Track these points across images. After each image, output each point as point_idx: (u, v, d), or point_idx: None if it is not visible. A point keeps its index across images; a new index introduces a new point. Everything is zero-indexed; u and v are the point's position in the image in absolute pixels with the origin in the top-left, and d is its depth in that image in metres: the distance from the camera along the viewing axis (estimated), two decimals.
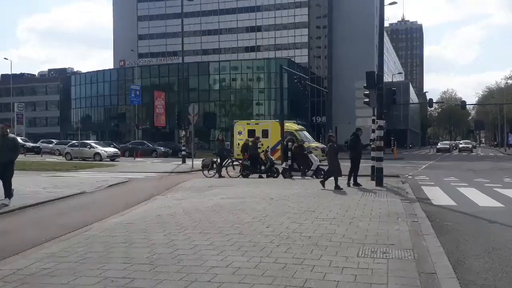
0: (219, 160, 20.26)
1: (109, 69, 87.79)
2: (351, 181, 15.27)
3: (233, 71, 77.81)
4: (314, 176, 18.94)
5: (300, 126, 37.27)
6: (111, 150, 38.29)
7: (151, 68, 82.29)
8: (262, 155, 20.37)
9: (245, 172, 19.90)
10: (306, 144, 28.08)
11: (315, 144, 34.30)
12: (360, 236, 7.33)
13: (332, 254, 6.22)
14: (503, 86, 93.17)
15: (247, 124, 35.74)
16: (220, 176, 19.63)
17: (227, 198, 12.13)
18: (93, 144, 38.24)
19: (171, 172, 23.73)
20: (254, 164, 19.97)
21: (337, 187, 14.04)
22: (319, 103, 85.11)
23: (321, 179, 14.81)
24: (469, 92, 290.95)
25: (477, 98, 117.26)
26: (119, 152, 38.74)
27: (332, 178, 14.48)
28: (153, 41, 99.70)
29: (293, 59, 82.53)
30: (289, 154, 19.34)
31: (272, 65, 73.95)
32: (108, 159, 35.51)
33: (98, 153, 35.96)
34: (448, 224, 9.04)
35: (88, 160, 34.64)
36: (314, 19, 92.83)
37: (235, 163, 21.14)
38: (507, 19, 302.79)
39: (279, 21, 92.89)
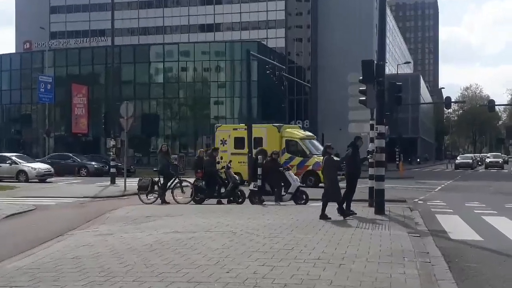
0: (162, 180, 20.07)
1: (9, 54, 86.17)
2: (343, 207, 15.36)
3: (183, 57, 77.60)
4: (293, 201, 19.01)
5: (307, 133, 35.54)
6: (42, 166, 36.97)
7: (68, 52, 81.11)
8: (222, 173, 20.31)
9: (199, 196, 19.75)
10: (316, 158, 28.81)
11: None
12: (354, 283, 7.34)
13: None
14: None
15: (234, 129, 34.73)
16: (164, 202, 19.43)
17: (172, 232, 12.00)
18: (15, 159, 36.73)
19: (95, 197, 23.39)
20: (211, 185, 19.84)
21: (323, 216, 14.12)
22: (301, 102, 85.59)
23: (321, 212, 14.72)
24: (499, 88, 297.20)
25: (509, 97, 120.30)
26: (52, 170, 37.24)
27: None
28: (72, 15, 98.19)
29: (265, 43, 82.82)
30: (259, 171, 19.34)
31: (237, 50, 74.01)
32: (37, 179, 34.79)
33: (24, 171, 34.81)
34: (470, 266, 9.17)
35: (5, 181, 33.37)
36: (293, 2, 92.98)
37: (184, 184, 20.95)
38: None
39: None
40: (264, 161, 19.45)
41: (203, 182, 19.85)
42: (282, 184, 19.24)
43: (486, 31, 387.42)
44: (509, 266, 9.32)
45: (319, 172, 24.87)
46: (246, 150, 28.35)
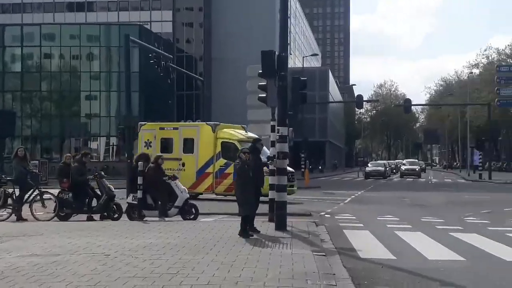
0: (18, 192, 19.39)
1: None
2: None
3: (47, 41, 75.52)
4: (181, 216, 18.93)
5: (250, 134, 29.69)
6: None
7: None
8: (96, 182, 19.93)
9: (64, 211, 19.27)
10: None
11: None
12: None
13: None
14: (465, 78, 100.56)
15: (160, 129, 32.30)
16: (20, 219, 18.79)
17: (30, 255, 11.62)
18: None
19: None
20: (80, 197, 19.42)
21: (244, 233, 14.30)
22: (191, 98, 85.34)
23: (240, 229, 14.66)
24: (418, 86, 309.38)
25: (428, 96, 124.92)
26: None
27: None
28: None
29: (148, 26, 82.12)
30: (140, 180, 19.12)
31: (114, 34, 73.02)
32: None
33: None
34: None
35: None
36: None
37: (46, 196, 20.32)
38: None
39: None
40: (147, 169, 19.23)
41: (70, 194, 19.33)
42: (168, 196, 19.16)
43: (404, 21, 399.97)
44: None
45: None
46: (175, 154, 27.88)
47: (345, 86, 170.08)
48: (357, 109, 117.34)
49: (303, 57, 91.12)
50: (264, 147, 30.96)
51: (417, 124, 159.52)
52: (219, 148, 29.38)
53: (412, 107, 76.50)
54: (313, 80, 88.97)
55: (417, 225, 18.89)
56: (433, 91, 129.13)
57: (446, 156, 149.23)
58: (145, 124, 33.73)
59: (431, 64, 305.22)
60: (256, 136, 29.83)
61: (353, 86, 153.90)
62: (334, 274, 9.93)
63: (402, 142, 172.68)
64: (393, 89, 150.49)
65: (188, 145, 28.92)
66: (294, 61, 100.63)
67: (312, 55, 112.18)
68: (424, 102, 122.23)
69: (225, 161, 28.75)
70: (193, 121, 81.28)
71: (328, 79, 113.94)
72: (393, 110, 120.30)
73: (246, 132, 30.37)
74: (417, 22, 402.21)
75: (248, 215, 14.81)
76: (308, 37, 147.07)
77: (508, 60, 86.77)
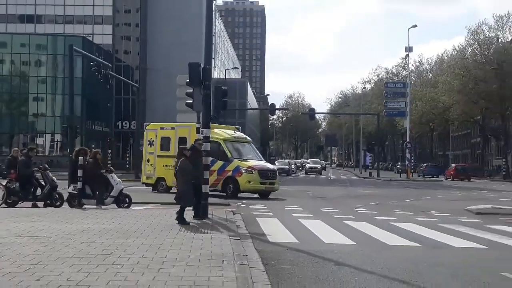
0: None
1: None
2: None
3: (0, 48, 73.33)
4: (115, 204, 18.67)
5: (238, 134, 30.25)
6: None
7: None
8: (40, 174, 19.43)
9: (11, 199, 18.72)
10: (237, 162, 26.35)
11: (252, 162, 27.71)
12: None
13: None
14: (360, 91, 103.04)
15: (160, 129, 30.30)
16: None
17: None
18: None
19: None
20: (26, 187, 18.92)
21: (183, 220, 14.14)
22: (128, 102, 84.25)
23: (177, 215, 14.44)
24: (321, 97, 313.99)
25: (329, 106, 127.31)
26: None
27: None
28: None
29: (90, 38, 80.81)
30: (80, 172, 18.77)
31: (60, 43, 71.71)
32: None
33: None
34: (286, 268, 9.51)
35: None
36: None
37: None
38: (367, 6, 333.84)
39: None
40: (86, 162, 18.91)
41: (17, 184, 18.82)
42: (105, 187, 18.88)
43: (312, 40, 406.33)
44: (321, 267, 9.76)
45: (238, 179, 24.25)
46: (172, 152, 25.35)
47: (261, 96, 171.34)
48: (270, 116, 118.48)
49: (225, 69, 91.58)
50: (249, 146, 30.92)
51: (320, 130, 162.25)
52: None
53: (316, 115, 77.62)
54: (234, 90, 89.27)
55: (318, 214, 19.16)
56: (334, 102, 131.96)
57: (343, 156, 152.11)
58: (149, 124, 32.45)
59: (333, 78, 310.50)
60: (243, 136, 31.09)
61: (268, 96, 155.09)
62: (246, 255, 9.96)
63: (308, 144, 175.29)
64: (300, 99, 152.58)
65: (182, 144, 25.71)
66: (218, 73, 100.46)
67: (233, 68, 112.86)
68: (325, 111, 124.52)
69: (211, 158, 24.83)
70: (129, 122, 79.60)
71: (246, 89, 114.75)
72: (300, 117, 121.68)
73: (234, 132, 29.39)
74: (324, 42, 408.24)
75: (187, 206, 14.71)
76: (230, 53, 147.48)
77: (394, 78, 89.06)
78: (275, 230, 14.66)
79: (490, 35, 70.16)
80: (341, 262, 10.18)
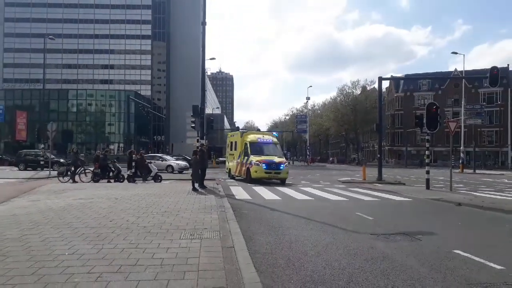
0: (73, 168, 18.20)
1: None
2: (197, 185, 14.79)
3: (89, 97, 71.28)
4: (153, 181, 18.36)
5: (265, 138, 22.39)
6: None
7: (14, 91, 70.66)
8: (111, 164, 18.97)
9: (96, 178, 18.26)
10: (252, 158, 19.59)
11: (263, 158, 19.91)
12: (183, 224, 7.29)
13: (161, 239, 6.06)
14: (283, 120, 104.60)
15: (231, 136, 24.97)
16: (74, 182, 17.63)
17: (78, 199, 10.95)
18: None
19: (30, 178, 20.54)
20: (103, 172, 18.48)
21: (194, 189, 13.96)
22: (159, 126, 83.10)
23: (192, 186, 14.24)
24: (264, 122, 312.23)
25: (267, 127, 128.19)
26: None
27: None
28: (19, 70, 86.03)
29: (139, 92, 79.52)
30: (133, 164, 18.47)
31: (122, 95, 69.88)
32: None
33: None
34: (244, 212, 9.55)
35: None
36: (156, 63, 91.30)
37: (87, 170, 19.19)
38: (286, 75, 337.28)
39: (128, 62, 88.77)
40: (136, 158, 18.62)
41: (99, 170, 18.37)
42: (147, 170, 18.60)
43: (258, 93, 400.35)
44: (263, 211, 9.83)
45: (250, 169, 19.20)
46: (238, 151, 21.70)
47: (232, 122, 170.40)
48: None
49: (212, 108, 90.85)
50: (272, 146, 21.98)
51: None
52: (242, 147, 21.46)
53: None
54: (216, 119, 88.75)
55: (262, 184, 19.08)
56: (270, 125, 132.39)
57: None
58: (229, 133, 27.58)
59: (270, 113, 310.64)
60: (269, 138, 21.93)
61: (235, 122, 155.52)
62: (224, 206, 9.96)
63: None
64: (253, 124, 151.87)
65: (235, 145, 22.55)
66: (208, 110, 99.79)
67: (216, 108, 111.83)
68: (266, 131, 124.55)
69: (244, 156, 20.92)
70: (160, 136, 75.15)
71: (224, 119, 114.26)
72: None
73: (263, 136, 22.39)
74: (264, 94, 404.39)
75: (196, 182, 14.50)
76: (214, 99, 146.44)
77: (301, 113, 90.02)
78: (239, 192, 14.66)
79: (349, 91, 72.20)
80: (273, 208, 10.26)
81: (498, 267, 5.12)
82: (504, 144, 61.27)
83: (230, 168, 23.24)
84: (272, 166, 19.37)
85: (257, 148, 20.82)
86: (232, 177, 22.31)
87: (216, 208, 9.38)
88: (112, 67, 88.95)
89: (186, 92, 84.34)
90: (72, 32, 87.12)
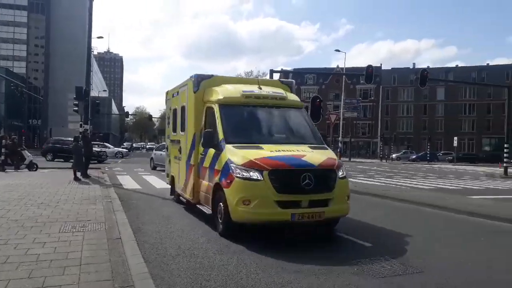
0: None
1: None
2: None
3: None
4: (27, 169, 16.30)
5: (252, 85, 7.19)
6: None
7: None
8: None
9: None
10: (249, 152, 5.57)
11: (313, 155, 6.06)
12: (63, 216, 6.69)
13: (37, 233, 5.47)
14: None
15: (173, 96, 9.36)
16: None
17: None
18: None
19: None
20: None
21: (76, 178, 12.69)
22: (36, 108, 73.40)
23: (74, 176, 12.80)
24: (157, 108, 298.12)
25: (159, 113, 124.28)
26: None
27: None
28: None
29: (11, 69, 69.19)
30: (3, 150, 16.08)
31: None
32: None
33: None
34: (133, 202, 9.18)
35: None
36: (33, 38, 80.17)
37: None
38: (182, 61, 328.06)
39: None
40: (7, 143, 16.28)
41: None
42: (20, 158, 16.42)
43: (151, 78, 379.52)
44: (154, 200, 9.57)
45: (227, 192, 6.40)
46: (177, 133, 8.72)
47: (121, 107, 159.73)
48: (126, 118, 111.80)
49: (98, 91, 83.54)
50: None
51: (155, 127, 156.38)
52: (202, 121, 6.96)
53: (153, 118, 74.18)
54: (103, 103, 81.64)
55: (153, 172, 18.49)
56: (163, 111, 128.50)
57: None
58: (174, 88, 9.25)
59: (161, 99, 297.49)
60: None
61: (124, 107, 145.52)
62: (110, 196, 9.39)
63: (148, 134, 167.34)
64: (144, 110, 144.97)
65: (183, 118, 8.01)
66: (94, 93, 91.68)
67: (103, 91, 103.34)
68: (158, 117, 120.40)
69: (207, 149, 6.59)
70: (37, 120, 66.98)
71: (111, 103, 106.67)
72: (144, 119, 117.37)
73: (254, 84, 7.16)
74: (157, 79, 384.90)
75: (78, 170, 13.25)
76: (101, 81, 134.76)
77: None
78: (128, 181, 14.00)
79: None
80: (164, 197, 10.04)
81: (367, 244, 5.87)
82: (375, 135, 70.13)
83: (173, 176, 9.27)
84: (299, 179, 5.59)
85: (244, 121, 6.80)
86: (178, 199, 9.15)
87: (102, 199, 8.81)
88: None
89: (69, 72, 75.69)
90: None
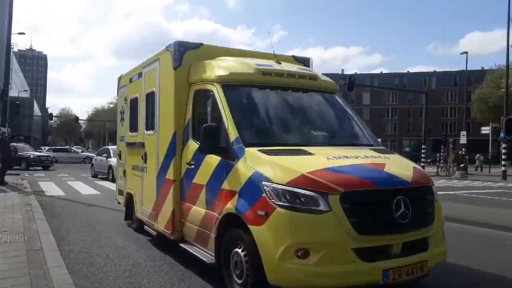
0: None
1: None
2: None
3: None
4: None
5: (265, 59, 4.80)
6: None
7: None
8: None
9: None
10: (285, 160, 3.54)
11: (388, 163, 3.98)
12: None
13: None
14: (107, 108, 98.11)
15: (130, 82, 6.53)
16: None
17: None
18: None
19: None
20: None
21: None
22: None
23: None
24: (84, 110, 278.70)
25: (87, 115, 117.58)
26: None
27: None
28: None
29: None
30: None
31: None
32: None
33: None
34: (57, 210, 8.63)
35: None
36: None
37: None
38: (112, 61, 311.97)
39: None
40: None
41: None
42: None
43: (78, 78, 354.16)
44: (79, 207, 9.03)
45: (265, 236, 3.84)
46: (139, 134, 5.96)
47: (44, 108, 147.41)
48: (49, 120, 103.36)
49: (18, 91, 76.71)
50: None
51: (82, 129, 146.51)
52: (190, 111, 4.34)
53: (79, 120, 69.61)
54: (24, 103, 75.23)
55: (79, 178, 17.38)
56: (91, 113, 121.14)
57: (96, 145, 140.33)
58: (138, 66, 5.98)
59: (93, 101, 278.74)
60: None
61: (48, 108, 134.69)
62: (30, 204, 8.71)
63: (74, 137, 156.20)
64: (70, 111, 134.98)
65: (151, 109, 5.26)
66: (13, 93, 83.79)
67: (24, 91, 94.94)
68: (85, 118, 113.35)
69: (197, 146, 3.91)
70: None
71: (33, 104, 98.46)
72: (69, 121, 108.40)
73: (277, 61, 4.56)
74: (84, 79, 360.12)
75: None
76: (22, 80, 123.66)
77: None
78: (51, 188, 13.07)
79: None
80: (91, 204, 9.60)
81: None
82: None
83: (132, 194, 6.28)
84: (390, 208, 3.15)
85: (268, 111, 4.12)
86: (139, 227, 6.24)
87: (21, 207, 8.13)
88: None
89: None
90: None
